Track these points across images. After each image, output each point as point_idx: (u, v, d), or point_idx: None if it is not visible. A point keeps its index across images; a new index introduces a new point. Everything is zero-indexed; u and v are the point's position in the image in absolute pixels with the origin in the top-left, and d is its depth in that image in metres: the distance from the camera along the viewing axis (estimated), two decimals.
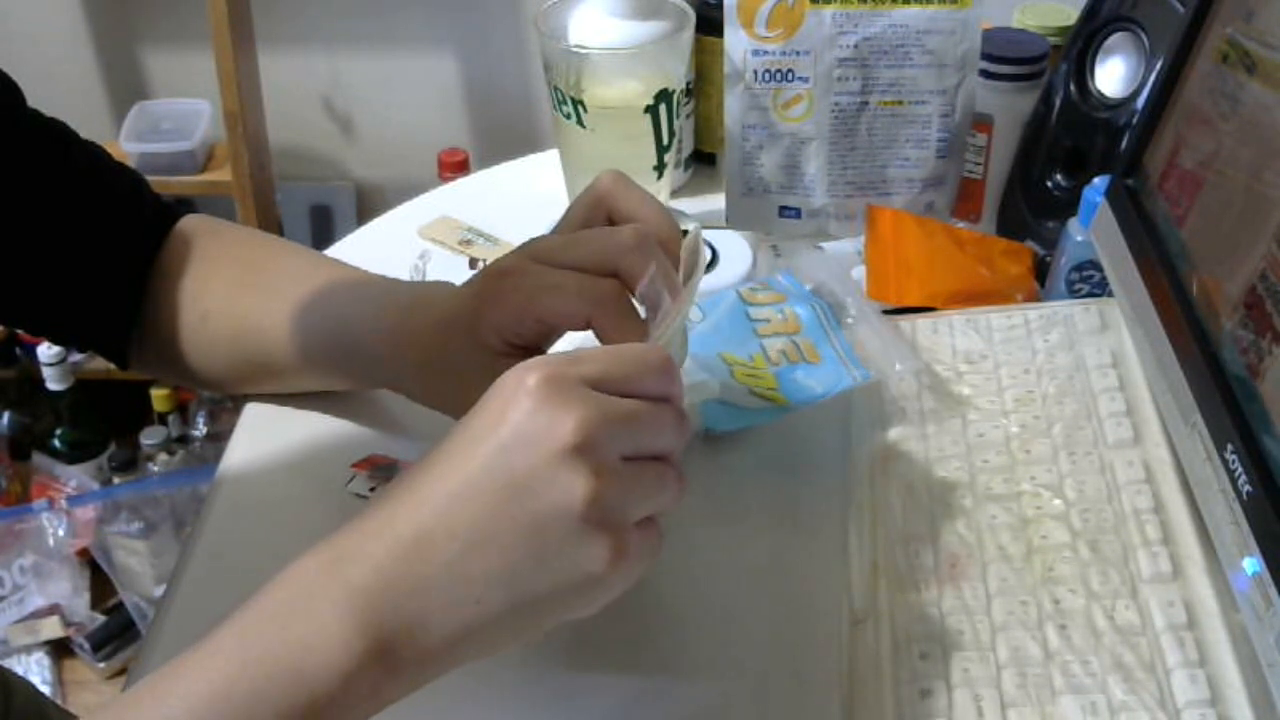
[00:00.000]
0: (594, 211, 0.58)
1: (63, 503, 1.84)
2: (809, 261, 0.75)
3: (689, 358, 0.67)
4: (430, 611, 0.43)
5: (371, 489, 0.66)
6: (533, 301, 0.55)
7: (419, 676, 0.44)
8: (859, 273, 0.77)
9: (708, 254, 0.80)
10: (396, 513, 0.44)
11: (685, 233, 0.57)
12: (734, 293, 0.73)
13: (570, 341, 0.58)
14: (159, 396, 1.96)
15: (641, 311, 0.55)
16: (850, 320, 0.71)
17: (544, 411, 0.44)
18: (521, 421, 0.44)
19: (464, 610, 0.43)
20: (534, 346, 0.57)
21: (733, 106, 0.81)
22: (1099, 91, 0.79)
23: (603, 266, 0.55)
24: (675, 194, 0.93)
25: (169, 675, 0.43)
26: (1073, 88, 0.80)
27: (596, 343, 0.55)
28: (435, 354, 0.59)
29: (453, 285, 0.62)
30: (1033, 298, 0.76)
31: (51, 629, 1.78)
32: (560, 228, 0.59)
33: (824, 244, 0.83)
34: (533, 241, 0.58)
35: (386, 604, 0.43)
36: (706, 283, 0.75)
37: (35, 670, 1.77)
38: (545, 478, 0.43)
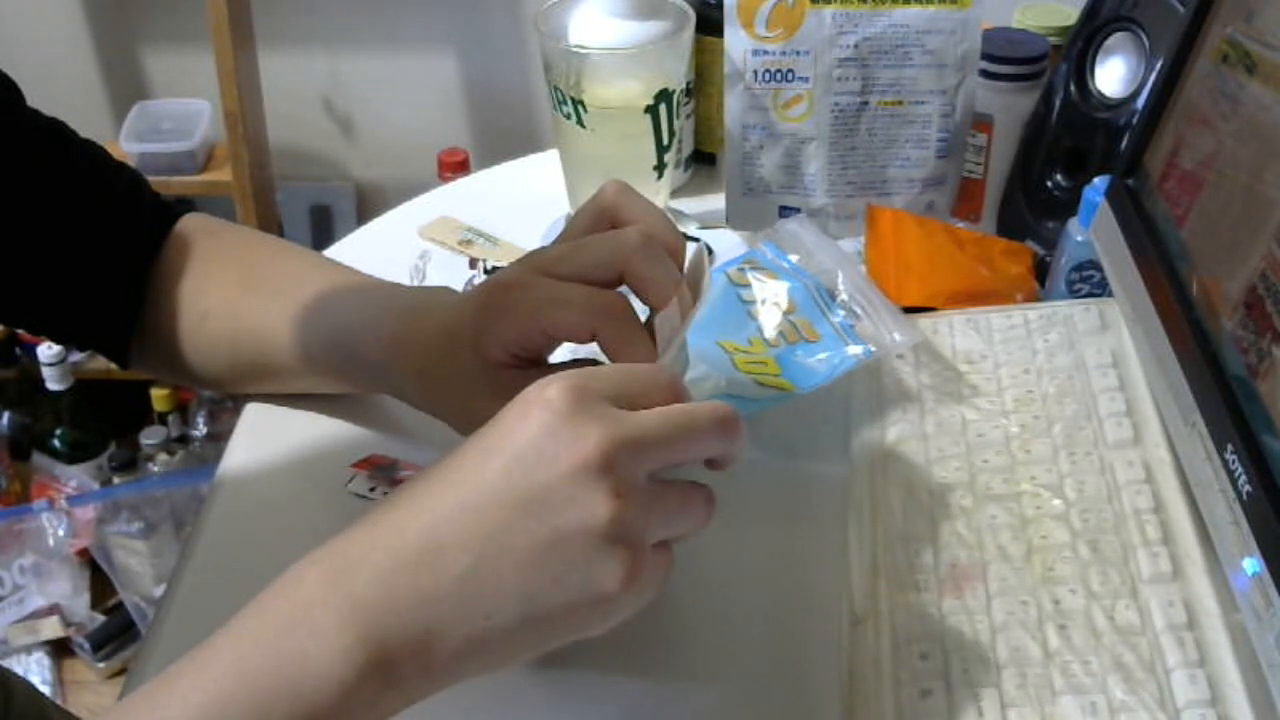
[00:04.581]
0: (598, 222, 0.57)
1: (63, 503, 1.84)
2: (789, 231, 0.74)
3: (689, 352, 0.67)
4: (437, 625, 0.43)
5: (371, 489, 0.66)
6: (538, 316, 0.55)
7: (421, 690, 0.43)
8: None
9: (711, 278, 0.80)
10: (404, 523, 0.44)
11: (687, 238, 0.57)
12: (723, 275, 0.72)
13: (570, 351, 0.58)
14: (159, 396, 1.96)
15: (643, 314, 0.55)
16: (842, 292, 0.69)
17: (566, 427, 0.43)
18: (542, 436, 0.43)
19: (473, 624, 0.43)
20: (537, 358, 0.57)
21: (733, 106, 0.81)
22: (1099, 91, 0.79)
23: (610, 268, 0.55)
24: (675, 194, 0.93)
25: (165, 685, 0.42)
26: (1073, 88, 0.80)
27: (600, 354, 0.55)
28: (435, 361, 0.59)
29: (454, 292, 0.62)
30: (1033, 298, 0.76)
31: (51, 629, 1.78)
32: (564, 237, 0.58)
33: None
34: (537, 252, 0.58)
35: (390, 616, 0.42)
36: None
37: (35, 670, 1.77)
38: (566, 494, 0.43)
